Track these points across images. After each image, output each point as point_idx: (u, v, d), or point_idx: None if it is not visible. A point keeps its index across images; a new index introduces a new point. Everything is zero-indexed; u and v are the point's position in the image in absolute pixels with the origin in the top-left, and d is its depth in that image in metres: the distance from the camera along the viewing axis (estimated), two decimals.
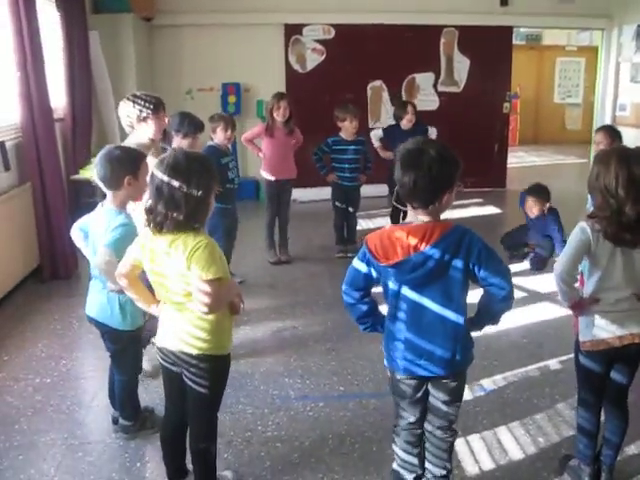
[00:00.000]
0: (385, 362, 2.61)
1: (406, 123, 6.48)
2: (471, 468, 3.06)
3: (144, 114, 3.78)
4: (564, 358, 4.16)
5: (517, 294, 2.48)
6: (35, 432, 3.37)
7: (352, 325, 4.54)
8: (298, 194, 7.68)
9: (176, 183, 2.36)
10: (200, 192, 2.39)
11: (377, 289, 2.55)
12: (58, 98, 6.28)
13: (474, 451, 3.18)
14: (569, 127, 15.12)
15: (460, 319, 2.42)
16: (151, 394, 3.64)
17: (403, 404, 2.60)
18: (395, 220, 6.90)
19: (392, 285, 2.45)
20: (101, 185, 3.15)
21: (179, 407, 2.70)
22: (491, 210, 8.35)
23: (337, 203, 6.41)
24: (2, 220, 5.07)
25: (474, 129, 9.10)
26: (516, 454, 3.18)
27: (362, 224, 6.87)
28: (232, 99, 8.78)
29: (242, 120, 8.22)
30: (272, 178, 6.15)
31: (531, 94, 14.89)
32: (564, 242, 5.52)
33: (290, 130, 6.05)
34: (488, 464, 3.10)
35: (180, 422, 2.72)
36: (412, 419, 2.59)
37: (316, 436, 3.33)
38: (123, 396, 3.27)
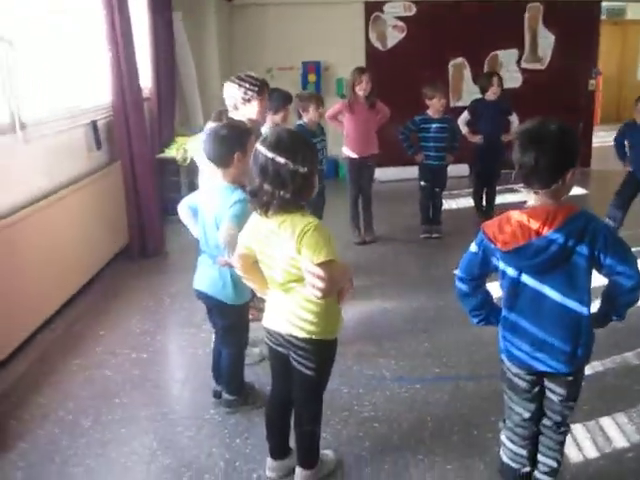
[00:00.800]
0: (500, 354, 2.52)
1: (491, 94, 6.45)
2: (575, 456, 2.97)
3: (249, 95, 3.79)
4: None
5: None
6: (135, 406, 3.45)
7: (442, 306, 4.59)
8: (379, 173, 7.59)
9: (281, 160, 2.32)
10: (305, 168, 2.35)
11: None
12: (144, 78, 6.35)
13: (577, 439, 3.08)
14: None
15: (584, 309, 2.31)
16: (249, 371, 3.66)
17: (517, 399, 2.52)
18: (477, 200, 6.80)
19: (511, 272, 2.35)
20: (203, 163, 3.18)
21: (285, 387, 2.69)
22: (577, 191, 8.08)
23: (423, 182, 6.32)
24: (94, 198, 5.17)
25: (558, 107, 8.74)
26: (620, 442, 3.08)
27: (445, 204, 6.73)
28: (312, 78, 8.75)
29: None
30: (354, 155, 6.10)
31: (614, 71, 14.36)
32: None
33: (371, 104, 5.98)
34: (592, 452, 3.01)
35: (286, 402, 2.72)
36: (527, 415, 2.51)
37: (414, 418, 3.29)
38: (229, 370, 3.31)
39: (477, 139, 6.52)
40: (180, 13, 7.31)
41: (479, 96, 6.72)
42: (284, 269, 2.43)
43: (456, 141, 6.26)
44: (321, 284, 2.30)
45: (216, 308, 3.22)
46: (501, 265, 2.38)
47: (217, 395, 3.38)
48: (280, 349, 2.62)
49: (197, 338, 4.18)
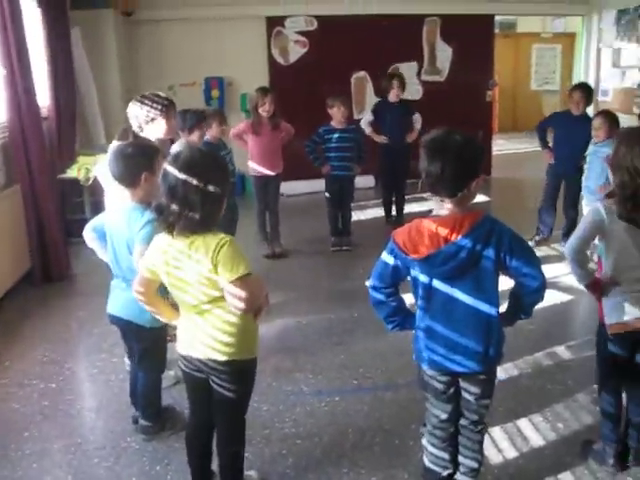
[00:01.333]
0: (415, 358, 2.56)
1: (393, 96, 6.56)
2: (495, 457, 3.04)
3: (152, 115, 3.70)
4: (571, 343, 4.22)
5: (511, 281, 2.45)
6: (47, 439, 3.29)
7: (356, 318, 4.62)
8: (286, 187, 7.60)
9: (193, 181, 2.27)
10: (217, 190, 2.32)
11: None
12: (42, 96, 6.14)
13: (495, 440, 3.16)
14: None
15: (493, 310, 2.38)
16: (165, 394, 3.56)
17: (434, 401, 2.56)
18: (387, 208, 6.89)
19: (422, 278, 2.40)
20: (106, 183, 3.08)
21: (205, 411, 2.64)
22: (478, 198, 8.31)
23: (329, 194, 6.35)
24: None
25: (458, 117, 8.87)
26: (537, 441, 3.18)
27: (353, 215, 6.79)
28: (215, 93, 8.67)
29: (226, 115, 8.10)
30: (259, 173, 6.10)
31: (508, 82, 14.88)
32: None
33: (275, 125, 5.99)
34: (511, 452, 3.09)
35: (207, 426, 2.66)
36: (444, 416, 2.56)
37: (335, 431, 3.29)
38: (146, 396, 3.21)
39: (381, 139, 6.58)
40: (78, 29, 7.13)
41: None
42: (199, 290, 2.38)
43: (362, 152, 6.33)
44: (244, 298, 2.27)
45: (132, 332, 3.10)
46: (413, 272, 2.42)
47: (135, 421, 3.28)
48: (198, 374, 2.56)
49: (109, 364, 4.05)
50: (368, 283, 2.53)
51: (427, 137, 2.34)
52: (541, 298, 2.41)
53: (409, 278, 2.47)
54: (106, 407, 3.58)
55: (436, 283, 2.39)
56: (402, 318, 2.56)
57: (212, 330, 2.43)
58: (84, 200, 6.55)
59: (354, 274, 5.59)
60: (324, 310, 4.87)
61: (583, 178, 5.46)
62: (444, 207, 2.34)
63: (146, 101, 3.74)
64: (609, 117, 5.23)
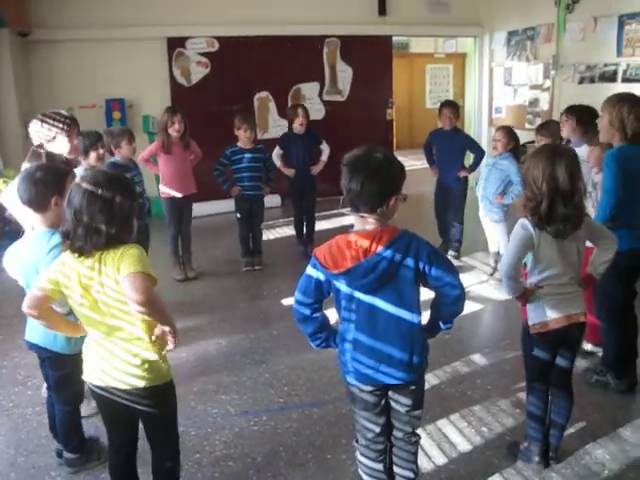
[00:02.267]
0: (344, 376, 2.56)
1: (298, 127, 6.46)
2: (426, 465, 3.11)
3: (53, 133, 3.62)
4: (486, 350, 4.37)
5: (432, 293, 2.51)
6: None
7: (276, 336, 4.63)
8: (195, 208, 7.51)
9: (100, 195, 2.29)
10: (125, 205, 2.34)
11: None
12: None
13: (424, 447, 3.22)
14: None
15: (415, 318, 2.44)
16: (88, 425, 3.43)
17: (366, 415, 2.57)
18: (298, 229, 6.88)
19: (345, 290, 2.43)
20: (17, 209, 2.97)
21: (126, 437, 2.61)
22: None
23: (240, 214, 6.32)
24: None
25: (360, 136, 8.98)
26: (464, 446, 3.28)
27: (262, 235, 6.79)
28: (117, 115, 8.49)
29: None
30: (173, 195, 6.00)
31: (404, 101, 15.32)
32: (480, 149, 6.11)
33: (186, 144, 5.93)
34: (441, 459, 3.17)
35: (130, 449, 2.64)
36: (378, 430, 2.58)
37: (267, 450, 3.28)
38: (66, 428, 3.08)
39: (290, 172, 6.57)
40: None
41: (287, 129, 6.82)
42: (109, 309, 2.35)
43: (271, 172, 6.34)
44: (141, 291, 2.23)
45: (49, 359, 3.00)
46: (336, 284, 2.45)
47: (59, 454, 3.15)
48: (118, 400, 2.50)
49: (24, 397, 3.88)
50: (293, 298, 2.54)
51: (348, 155, 2.39)
52: (462, 308, 2.47)
53: (332, 295, 2.51)
54: (26, 442, 3.43)
55: (359, 295, 2.43)
56: (327, 334, 2.58)
57: (124, 354, 2.41)
58: None
59: (269, 293, 5.60)
60: (243, 330, 4.84)
61: (480, 188, 5.68)
62: (365, 223, 2.39)
63: (47, 119, 3.68)
64: (509, 132, 5.50)
